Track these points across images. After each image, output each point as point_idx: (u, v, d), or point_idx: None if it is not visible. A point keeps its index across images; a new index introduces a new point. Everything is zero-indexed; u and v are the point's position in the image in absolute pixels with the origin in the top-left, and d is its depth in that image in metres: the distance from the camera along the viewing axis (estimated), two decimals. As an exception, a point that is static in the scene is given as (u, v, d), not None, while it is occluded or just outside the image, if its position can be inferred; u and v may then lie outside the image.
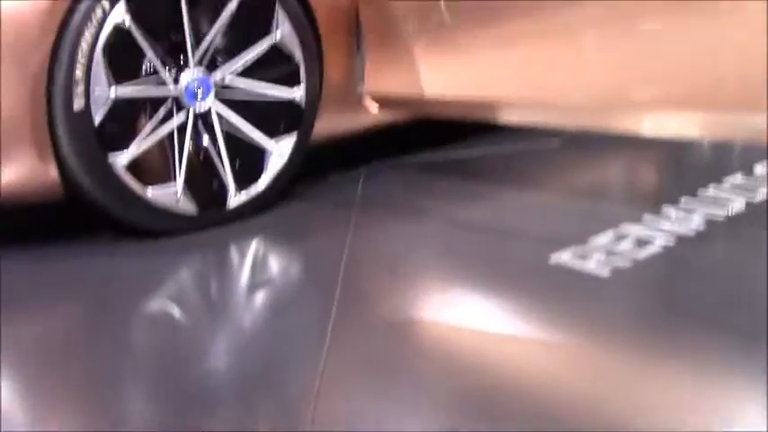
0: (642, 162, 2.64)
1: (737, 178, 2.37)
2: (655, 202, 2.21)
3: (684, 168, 2.55)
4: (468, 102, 2.27)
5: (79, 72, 1.89)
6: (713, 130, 2.02)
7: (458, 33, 2.23)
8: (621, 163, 2.66)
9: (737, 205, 2.19)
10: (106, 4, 1.90)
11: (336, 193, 2.41)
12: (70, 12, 1.86)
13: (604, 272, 1.82)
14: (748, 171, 2.41)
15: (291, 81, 2.21)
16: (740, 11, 1.87)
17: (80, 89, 1.90)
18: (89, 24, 1.88)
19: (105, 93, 1.93)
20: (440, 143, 2.76)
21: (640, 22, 2.02)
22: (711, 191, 2.29)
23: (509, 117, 2.27)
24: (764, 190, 2.28)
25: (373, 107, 2.39)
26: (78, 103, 1.90)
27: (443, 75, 2.27)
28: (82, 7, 1.87)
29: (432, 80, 2.28)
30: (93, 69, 1.90)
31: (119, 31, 1.93)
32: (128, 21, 1.93)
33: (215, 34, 2.08)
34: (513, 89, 2.20)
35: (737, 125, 1.95)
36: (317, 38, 2.25)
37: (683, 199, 2.22)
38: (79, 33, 1.87)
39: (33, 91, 1.86)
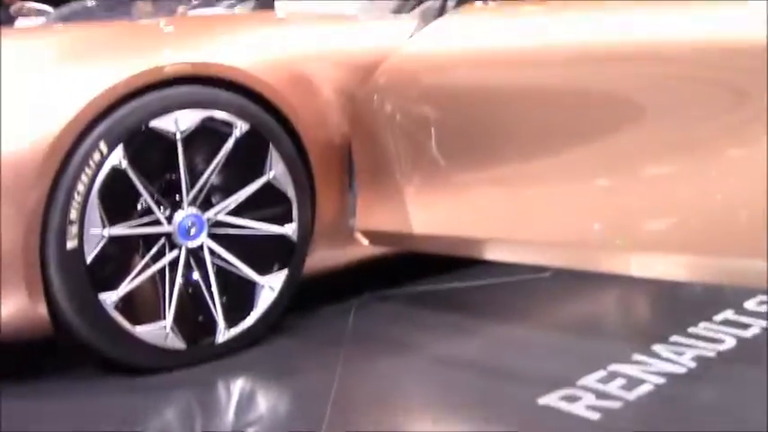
0: (631, 297, 2.65)
1: (728, 314, 2.38)
2: (644, 339, 2.22)
3: (674, 304, 2.55)
4: (459, 239, 2.31)
5: (74, 213, 1.94)
6: (706, 274, 2.05)
7: (450, 173, 2.31)
8: (610, 297, 2.66)
9: (729, 342, 2.20)
10: (104, 148, 1.97)
11: (326, 326, 2.41)
12: (69, 155, 1.93)
13: (594, 415, 1.81)
14: (739, 307, 2.42)
15: (284, 218, 2.27)
16: (739, 155, 1.95)
17: (74, 230, 1.95)
18: (86, 167, 1.95)
19: (99, 233, 1.98)
20: (430, 273, 2.78)
21: (634, 166, 2.09)
22: (702, 328, 2.29)
23: (498, 255, 2.31)
24: (756, 326, 2.29)
25: (364, 242, 2.43)
26: (71, 243, 1.95)
27: (434, 213, 2.33)
28: (80, 151, 1.95)
29: (422, 218, 2.34)
30: (88, 211, 1.96)
31: (115, 172, 2.00)
32: (124, 163, 2.00)
33: (210, 175, 2.15)
34: (503, 229, 2.25)
35: (732, 270, 1.99)
36: (310, 176, 2.31)
37: (674, 337, 2.22)
38: (76, 176, 1.94)
39: (28, 230, 1.91)
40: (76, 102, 1.94)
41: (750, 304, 2.44)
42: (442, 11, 2.60)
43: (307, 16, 2.60)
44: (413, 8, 2.62)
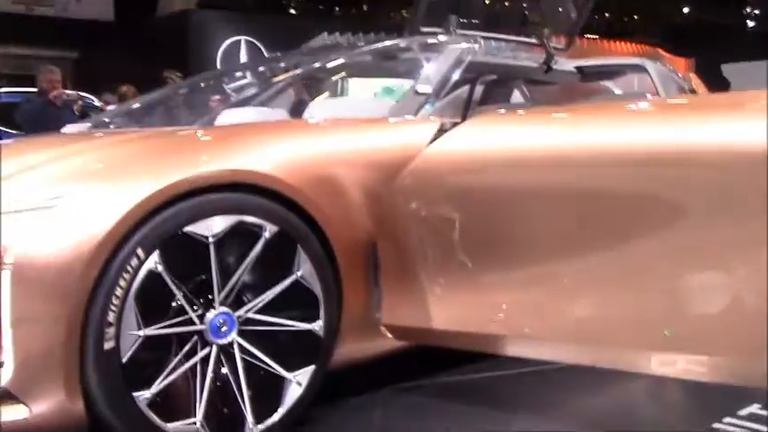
0: (655, 390, 2.65)
1: (754, 408, 2.37)
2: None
3: (698, 397, 2.54)
4: (481, 336, 2.38)
5: (112, 315, 2.08)
6: (720, 374, 2.06)
7: (474, 273, 2.38)
8: (635, 390, 2.67)
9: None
10: (141, 254, 2.12)
11: (353, 419, 2.49)
12: (108, 260, 2.08)
13: None
14: (765, 401, 2.40)
15: (311, 315, 2.37)
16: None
17: (112, 331, 2.08)
18: (125, 273, 2.09)
19: (135, 333, 2.12)
20: (457, 363, 2.84)
21: (656, 267, 2.14)
22: (726, 423, 2.29)
23: (521, 351, 2.37)
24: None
25: (390, 336, 2.51)
26: (109, 344, 2.08)
27: (458, 310, 2.41)
28: (120, 257, 2.09)
29: (446, 314, 2.41)
30: (125, 313, 2.09)
31: (151, 275, 2.14)
32: (160, 267, 2.14)
33: (240, 275, 2.28)
34: (526, 326, 2.31)
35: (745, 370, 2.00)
36: (337, 274, 2.42)
37: (697, 436, 2.23)
38: (115, 281, 2.08)
39: (69, 329, 2.05)
40: (118, 210, 2.09)
41: (779, 399, 2.42)
42: (468, 105, 2.72)
43: (335, 120, 2.74)
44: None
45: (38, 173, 2.22)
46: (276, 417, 2.30)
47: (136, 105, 3.79)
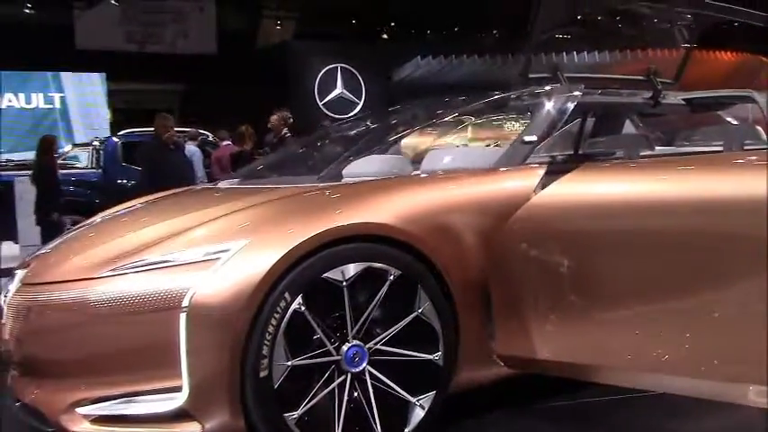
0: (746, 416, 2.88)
1: None
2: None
3: None
4: (585, 366, 2.70)
5: (266, 349, 2.51)
6: None
7: (579, 310, 2.70)
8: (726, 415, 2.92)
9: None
10: (288, 297, 2.54)
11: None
12: (262, 303, 2.52)
13: None
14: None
15: (432, 346, 2.74)
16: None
17: (265, 362, 2.51)
18: (275, 313, 2.52)
19: (284, 364, 2.54)
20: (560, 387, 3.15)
21: (745, 309, 2.41)
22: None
23: (621, 381, 2.67)
24: None
25: (502, 365, 2.85)
26: (263, 373, 2.51)
27: (564, 342, 2.73)
28: (270, 300, 2.52)
29: (554, 346, 2.74)
30: (276, 347, 2.52)
31: (296, 315, 2.56)
32: (303, 307, 2.56)
33: (369, 313, 2.67)
34: (628, 359, 2.60)
35: None
36: (454, 310, 2.79)
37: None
38: (267, 320, 2.51)
39: (232, 358, 2.49)
40: (269, 261, 2.53)
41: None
42: (578, 139, 3.02)
43: (449, 172, 3.12)
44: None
45: (205, 230, 2.70)
46: (405, 435, 2.69)
47: (274, 158, 4.29)
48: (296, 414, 2.56)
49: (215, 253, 2.56)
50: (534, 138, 3.16)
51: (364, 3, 18.71)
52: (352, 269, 2.63)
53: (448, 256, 2.79)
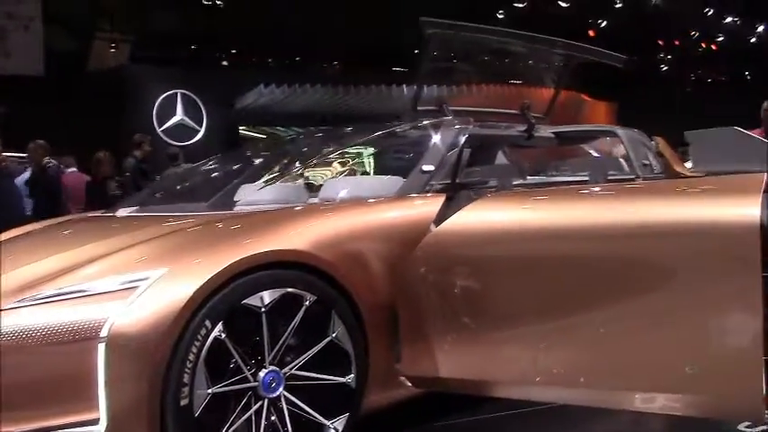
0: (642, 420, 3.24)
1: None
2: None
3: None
4: (483, 382, 2.93)
5: (186, 377, 2.55)
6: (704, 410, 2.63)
7: (476, 330, 2.93)
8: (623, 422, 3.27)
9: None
10: (209, 324, 2.59)
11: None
12: (182, 332, 2.55)
13: None
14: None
15: (345, 370, 2.88)
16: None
17: (186, 390, 2.55)
18: (195, 341, 2.57)
19: (204, 391, 2.58)
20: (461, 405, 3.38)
21: (634, 323, 2.70)
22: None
23: (520, 394, 2.93)
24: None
25: (408, 385, 3.03)
26: (184, 401, 2.55)
27: (464, 361, 2.95)
28: (191, 327, 2.56)
29: (454, 365, 2.95)
30: (196, 375, 2.56)
31: (216, 341, 2.61)
32: (223, 334, 2.62)
33: (287, 338, 2.77)
34: (525, 374, 2.85)
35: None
36: (365, 333, 2.94)
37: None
38: (188, 348, 2.55)
39: (151, 387, 2.50)
40: (188, 289, 2.57)
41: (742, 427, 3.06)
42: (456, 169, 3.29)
43: (353, 201, 3.29)
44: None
45: (119, 258, 2.70)
46: (319, 459, 2.79)
47: (165, 186, 4.29)
48: (216, 442, 2.61)
49: (132, 282, 2.58)
50: (432, 167, 3.40)
51: (204, 29, 18.59)
52: (270, 295, 2.72)
53: (358, 281, 2.95)
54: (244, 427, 2.69)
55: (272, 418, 2.75)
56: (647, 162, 4.28)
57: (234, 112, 17.93)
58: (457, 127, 3.67)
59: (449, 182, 3.41)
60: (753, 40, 23.90)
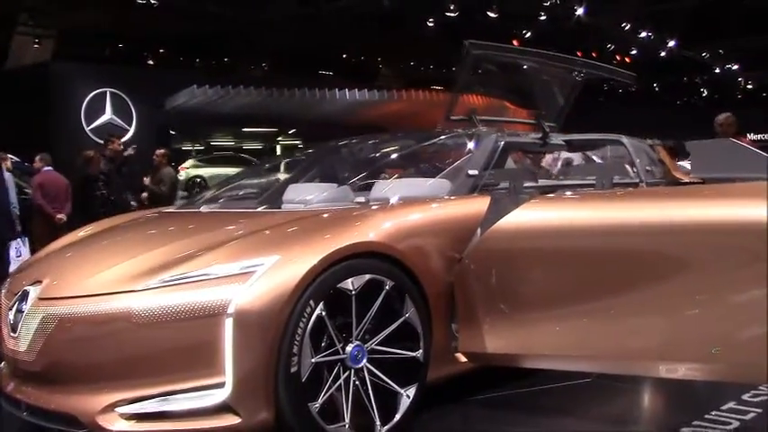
0: (656, 394, 3.91)
1: (732, 404, 3.69)
2: (674, 425, 3.46)
3: (688, 399, 3.87)
4: (529, 356, 3.56)
5: (296, 348, 3.07)
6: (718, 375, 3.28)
7: (520, 311, 3.55)
8: (641, 395, 3.97)
9: (734, 424, 3.46)
10: (312, 304, 3.13)
11: (442, 421, 3.61)
12: (292, 310, 3.08)
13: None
14: (738, 399, 3.72)
15: (414, 345, 3.45)
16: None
17: (295, 359, 3.07)
18: (303, 317, 3.09)
19: (309, 361, 3.11)
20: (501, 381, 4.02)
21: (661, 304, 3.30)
22: (714, 414, 3.57)
23: (563, 366, 3.56)
24: (753, 412, 3.56)
25: (463, 360, 3.63)
26: (294, 368, 3.06)
27: (513, 338, 3.56)
28: (299, 306, 3.10)
29: (505, 342, 3.56)
30: (303, 346, 3.09)
31: (318, 318, 3.14)
32: (324, 312, 3.15)
33: (369, 317, 3.31)
34: (567, 348, 3.47)
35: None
36: (429, 314, 3.51)
37: (695, 421, 3.49)
38: (297, 323, 3.08)
39: (267, 358, 3.02)
40: (297, 273, 3.10)
41: (746, 396, 3.78)
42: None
43: (415, 201, 3.86)
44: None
45: (235, 247, 3.21)
46: (394, 420, 3.35)
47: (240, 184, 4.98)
48: (317, 404, 3.14)
49: (250, 267, 3.09)
50: (476, 171, 4.02)
51: (129, 26, 18.68)
52: (358, 280, 3.28)
53: (424, 269, 3.53)
54: (336, 392, 3.22)
55: (361, 390, 3.30)
56: (649, 168, 4.98)
57: (164, 112, 18.15)
58: (494, 135, 4.30)
59: (493, 183, 4.04)
60: (662, 54, 25.69)
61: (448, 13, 19.88)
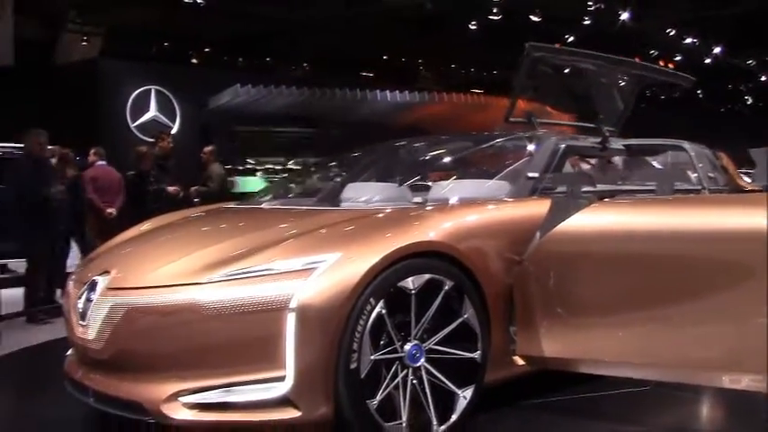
0: (716, 405, 3.87)
1: None
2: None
3: (746, 412, 3.80)
4: (586, 361, 3.53)
5: (355, 345, 3.09)
6: None
7: (579, 316, 3.53)
8: (701, 404, 3.92)
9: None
10: (373, 302, 3.14)
11: (495, 424, 3.58)
12: (353, 306, 3.09)
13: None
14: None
15: (472, 347, 3.45)
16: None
17: (355, 356, 3.09)
18: (363, 315, 3.11)
19: (368, 358, 3.12)
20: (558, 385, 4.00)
21: (723, 309, 3.25)
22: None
23: (622, 373, 3.53)
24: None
25: (521, 363, 3.61)
26: (353, 365, 3.08)
27: (572, 343, 3.54)
28: (359, 304, 3.11)
29: (563, 346, 3.54)
30: (363, 343, 3.10)
31: (378, 316, 3.15)
32: (384, 310, 3.16)
33: (428, 317, 3.32)
34: (626, 355, 3.44)
35: None
36: (488, 316, 3.51)
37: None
38: (357, 320, 3.10)
39: (328, 353, 3.04)
40: (358, 271, 3.12)
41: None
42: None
43: (478, 202, 3.87)
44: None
45: (298, 243, 3.24)
46: (451, 420, 3.35)
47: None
48: (375, 401, 3.15)
49: (312, 263, 3.11)
50: (536, 174, 4.00)
51: (175, 25, 18.87)
52: (419, 279, 3.28)
53: (483, 270, 3.52)
54: (394, 390, 3.23)
55: (418, 389, 3.30)
56: (711, 175, 4.90)
57: (208, 110, 18.30)
58: (554, 138, 4.28)
59: (550, 187, 4.03)
60: (707, 60, 25.37)
61: (491, 17, 19.78)
